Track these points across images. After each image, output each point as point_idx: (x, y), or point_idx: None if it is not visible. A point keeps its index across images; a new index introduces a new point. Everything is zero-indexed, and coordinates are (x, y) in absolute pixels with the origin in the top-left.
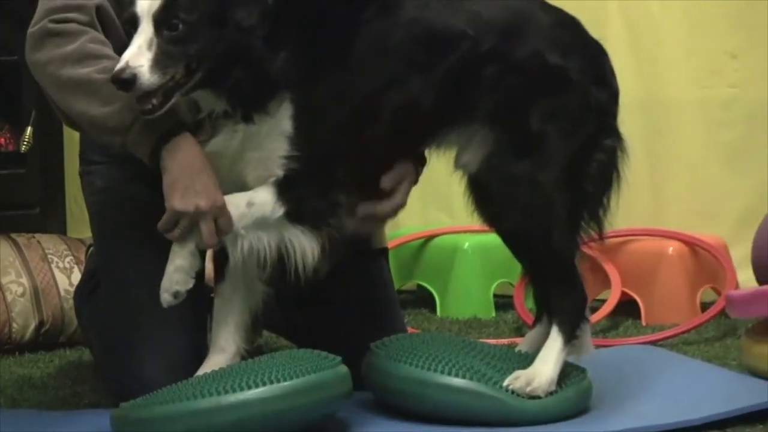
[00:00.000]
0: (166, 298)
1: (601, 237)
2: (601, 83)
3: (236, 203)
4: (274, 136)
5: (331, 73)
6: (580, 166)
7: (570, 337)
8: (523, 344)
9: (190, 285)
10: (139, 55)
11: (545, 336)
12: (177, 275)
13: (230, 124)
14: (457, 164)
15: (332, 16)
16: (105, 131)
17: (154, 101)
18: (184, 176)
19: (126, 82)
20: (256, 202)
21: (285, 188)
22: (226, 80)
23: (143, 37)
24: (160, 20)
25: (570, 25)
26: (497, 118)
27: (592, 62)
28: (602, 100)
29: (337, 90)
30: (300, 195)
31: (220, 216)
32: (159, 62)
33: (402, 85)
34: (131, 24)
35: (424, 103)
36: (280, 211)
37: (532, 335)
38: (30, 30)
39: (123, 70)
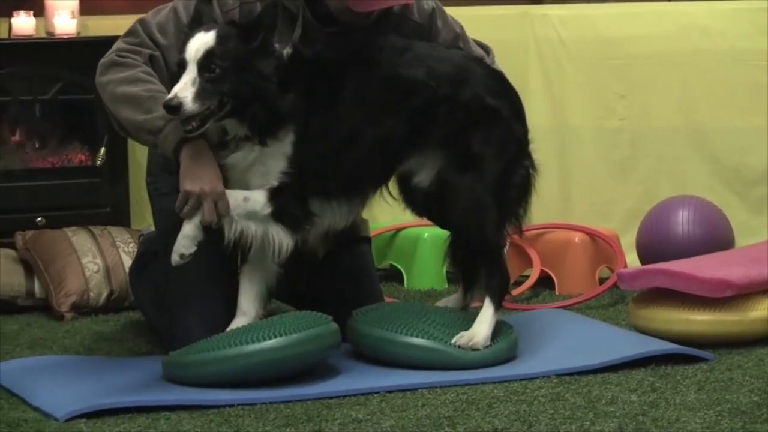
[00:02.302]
0: (174, 258)
1: (521, 231)
2: (520, 120)
3: (235, 195)
4: (277, 156)
5: (324, 112)
6: (507, 179)
7: (498, 306)
8: (446, 301)
9: (193, 250)
10: (184, 89)
11: (461, 296)
12: (183, 241)
13: (249, 145)
14: (409, 186)
15: (328, 70)
16: (143, 132)
17: (194, 124)
18: (194, 167)
19: (174, 107)
20: (250, 199)
21: (275, 194)
22: (248, 112)
23: (189, 76)
24: (202, 65)
25: (499, 76)
26: (447, 144)
27: (514, 104)
28: (521, 133)
29: (328, 125)
30: (285, 202)
31: (219, 200)
32: (199, 95)
33: (379, 122)
34: (181, 66)
35: (396, 135)
36: (267, 210)
37: (453, 297)
38: (100, 61)
39: (172, 98)
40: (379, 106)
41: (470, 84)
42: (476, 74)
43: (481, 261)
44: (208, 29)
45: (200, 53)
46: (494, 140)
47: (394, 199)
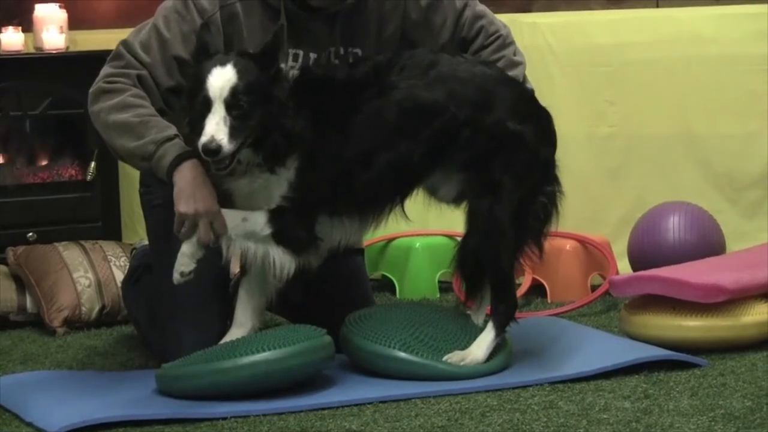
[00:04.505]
0: (176, 276)
1: (540, 257)
2: (548, 143)
3: (233, 216)
4: (281, 181)
5: (331, 138)
6: (527, 206)
7: (501, 332)
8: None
9: (193, 267)
10: (219, 131)
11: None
12: (182, 259)
13: (256, 172)
14: (436, 196)
15: (339, 96)
16: (137, 159)
17: (227, 161)
18: (187, 189)
19: (213, 151)
20: (249, 219)
21: (276, 215)
22: (267, 142)
23: (218, 116)
24: (230, 104)
25: (527, 97)
26: (468, 168)
27: (541, 127)
28: (548, 156)
29: (334, 151)
30: (286, 223)
31: (214, 219)
32: (233, 135)
33: (394, 146)
34: (205, 105)
35: (413, 158)
36: (268, 230)
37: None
38: (90, 90)
39: (210, 142)
40: (393, 129)
41: (494, 108)
42: (501, 98)
43: (491, 286)
44: (223, 62)
45: (226, 91)
46: (516, 167)
47: (408, 219)
